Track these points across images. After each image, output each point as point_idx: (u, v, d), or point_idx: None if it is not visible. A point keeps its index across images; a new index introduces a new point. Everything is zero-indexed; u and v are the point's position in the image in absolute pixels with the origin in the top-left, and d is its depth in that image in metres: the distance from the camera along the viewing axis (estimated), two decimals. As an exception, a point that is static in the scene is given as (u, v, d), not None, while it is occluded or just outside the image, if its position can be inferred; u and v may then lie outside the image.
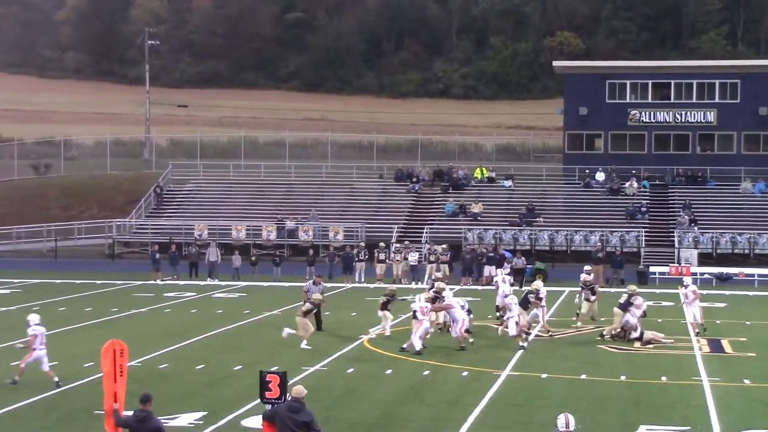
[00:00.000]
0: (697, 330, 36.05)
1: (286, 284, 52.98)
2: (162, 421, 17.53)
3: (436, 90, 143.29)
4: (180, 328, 37.48)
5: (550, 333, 35.87)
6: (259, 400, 24.92)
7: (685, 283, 38.08)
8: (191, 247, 59.41)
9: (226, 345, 33.84)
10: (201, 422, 22.84)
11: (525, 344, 32.68)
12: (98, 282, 53.74)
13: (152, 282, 54.12)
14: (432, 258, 55.25)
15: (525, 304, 35.53)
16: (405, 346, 32.03)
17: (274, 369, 20.22)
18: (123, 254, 69.93)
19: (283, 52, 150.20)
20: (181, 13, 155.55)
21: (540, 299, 35.74)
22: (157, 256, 56.08)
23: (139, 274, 56.75)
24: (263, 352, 32.05)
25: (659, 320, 36.83)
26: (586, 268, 42.68)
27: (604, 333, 35.01)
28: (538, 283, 36.87)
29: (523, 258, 55.88)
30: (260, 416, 23.14)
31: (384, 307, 35.13)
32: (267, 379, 18.40)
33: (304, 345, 32.75)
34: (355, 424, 22.85)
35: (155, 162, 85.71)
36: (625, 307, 34.48)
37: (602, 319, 39.20)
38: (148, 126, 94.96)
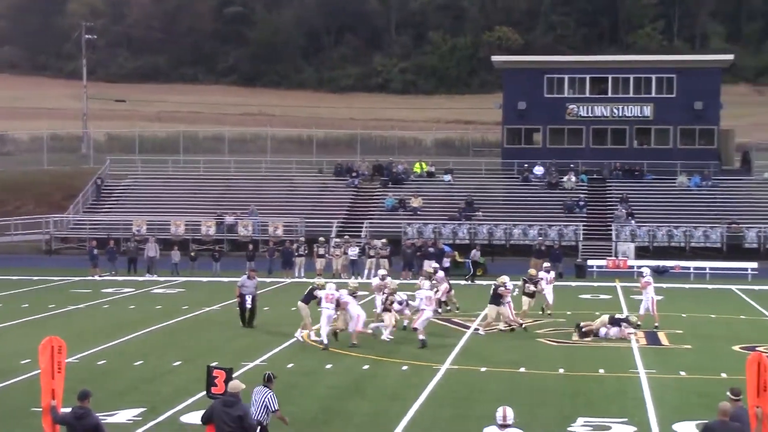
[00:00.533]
0: (639, 323, 36.23)
1: (225, 279, 52.79)
2: (100, 417, 17.45)
3: (375, 84, 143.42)
4: (118, 324, 37.25)
5: (522, 324, 35.83)
6: (199, 396, 24.97)
7: (643, 273, 38.12)
8: (129, 243, 59.04)
9: (165, 341, 33.70)
10: (140, 418, 22.74)
11: (424, 337, 32.50)
12: (35, 278, 53.28)
13: (90, 278, 53.76)
14: (372, 253, 55.36)
15: (496, 299, 35.40)
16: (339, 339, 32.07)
17: (214, 364, 20.15)
18: (60, 250, 69.38)
19: (221, 46, 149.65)
20: (118, 7, 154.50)
21: (508, 290, 35.66)
22: (95, 251, 55.69)
23: (76, 270, 56.31)
24: (202, 348, 31.95)
25: (597, 313, 37.09)
26: (546, 264, 42.65)
27: (582, 325, 34.98)
28: (504, 277, 36.68)
29: (479, 252, 56.13)
30: (200, 412, 23.16)
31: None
32: (214, 374, 18.39)
33: (298, 334, 33.37)
34: (295, 419, 22.79)
35: (93, 157, 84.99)
36: (617, 323, 34.52)
37: (549, 312, 39.55)
38: (85, 121, 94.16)
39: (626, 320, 34.75)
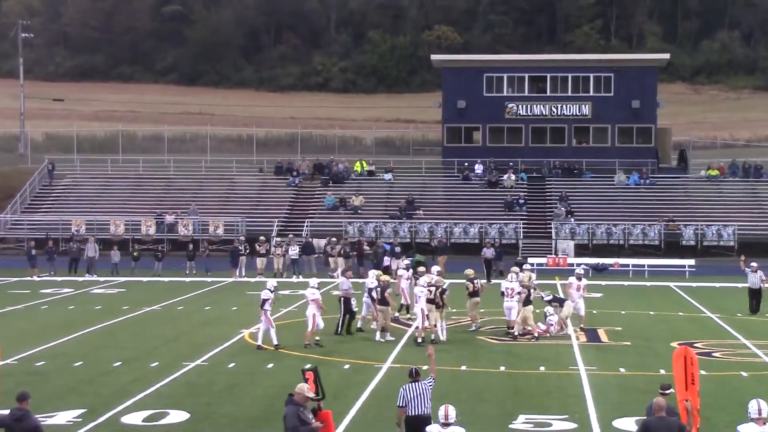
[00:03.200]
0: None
1: (166, 279, 52.63)
2: (40, 419, 17.30)
3: (315, 84, 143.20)
4: (57, 324, 36.94)
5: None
6: (139, 396, 24.91)
7: (577, 274, 37.34)
8: (71, 243, 58.54)
9: (105, 341, 33.46)
10: (80, 420, 22.58)
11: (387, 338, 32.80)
12: (-28, 279, 52.75)
13: (29, 278, 53.23)
14: (346, 250, 55.02)
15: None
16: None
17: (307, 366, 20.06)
18: (-2, 251, 68.74)
19: (160, 45, 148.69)
20: (55, 5, 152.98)
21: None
22: (34, 252, 55.16)
23: (14, 271, 55.73)
24: (142, 348, 31.75)
25: (537, 311, 37.22)
26: (527, 267, 40.90)
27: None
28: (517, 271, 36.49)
29: (493, 249, 55.46)
30: (140, 413, 23.12)
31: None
32: (306, 376, 18.32)
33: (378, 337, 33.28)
34: (236, 419, 22.81)
35: (30, 157, 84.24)
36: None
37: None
38: (22, 120, 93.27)
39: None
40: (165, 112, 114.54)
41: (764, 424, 15.81)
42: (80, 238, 60.92)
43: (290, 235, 59.98)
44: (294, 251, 56.05)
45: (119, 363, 29.26)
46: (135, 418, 22.66)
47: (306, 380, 18.14)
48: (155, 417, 22.84)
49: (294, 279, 53.20)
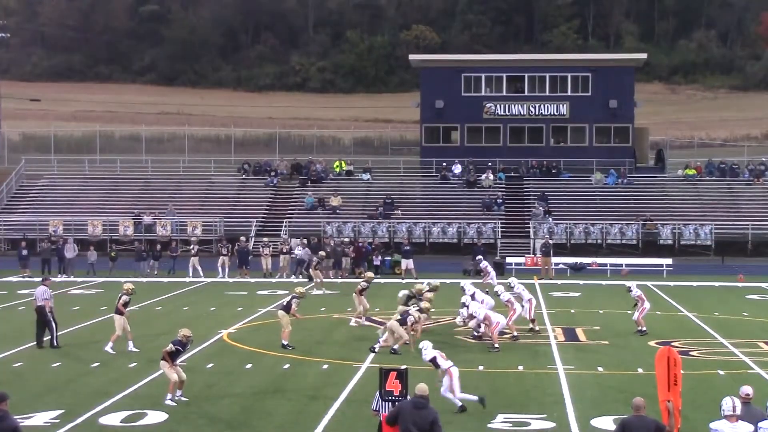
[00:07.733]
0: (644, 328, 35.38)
1: (144, 280, 52.43)
2: (17, 420, 17.23)
3: (294, 83, 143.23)
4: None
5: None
6: (117, 397, 24.84)
7: (629, 288, 36.97)
8: (42, 243, 58.08)
9: (82, 342, 33.33)
10: (57, 421, 22.50)
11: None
12: (-51, 280, 52.48)
13: (4, 279, 52.92)
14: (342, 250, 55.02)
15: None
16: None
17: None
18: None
19: (137, 45, 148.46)
20: (31, 5, 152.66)
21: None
22: (25, 252, 54.82)
23: (-8, 272, 55.57)
24: (120, 349, 31.60)
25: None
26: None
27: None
28: (513, 280, 36.09)
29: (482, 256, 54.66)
30: (119, 414, 23.04)
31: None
32: (386, 375, 18.21)
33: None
34: (215, 419, 22.77)
35: (7, 157, 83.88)
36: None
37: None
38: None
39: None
40: (143, 112, 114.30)
41: (736, 420, 15.98)
42: (56, 238, 60.65)
43: (284, 237, 60.00)
44: (301, 252, 55.24)
45: (97, 364, 29.18)
46: (113, 419, 22.61)
47: (385, 378, 18.13)
48: (133, 418, 22.79)
49: (293, 279, 52.69)
